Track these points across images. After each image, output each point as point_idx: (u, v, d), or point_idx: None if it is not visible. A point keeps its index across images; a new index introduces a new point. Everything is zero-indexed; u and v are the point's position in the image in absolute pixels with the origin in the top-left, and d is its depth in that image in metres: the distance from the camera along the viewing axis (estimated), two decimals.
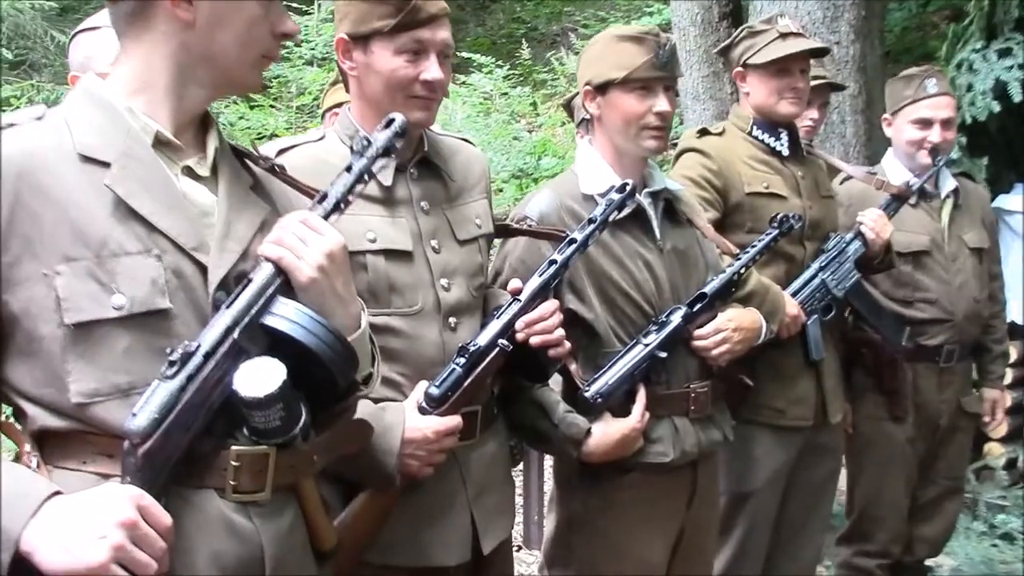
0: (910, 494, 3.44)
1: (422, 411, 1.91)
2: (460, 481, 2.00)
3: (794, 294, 2.91)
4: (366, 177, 1.52)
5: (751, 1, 5.99)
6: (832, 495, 3.16)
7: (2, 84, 8.62)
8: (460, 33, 12.57)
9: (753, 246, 2.51)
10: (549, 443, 2.26)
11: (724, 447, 2.93)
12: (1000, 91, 4.33)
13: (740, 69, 2.97)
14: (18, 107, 8.28)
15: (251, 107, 9.23)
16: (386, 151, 1.53)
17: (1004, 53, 4.35)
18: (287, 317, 1.38)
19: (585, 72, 2.38)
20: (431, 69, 1.93)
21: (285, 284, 1.40)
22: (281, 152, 1.93)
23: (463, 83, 9.83)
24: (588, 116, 2.43)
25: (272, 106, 9.27)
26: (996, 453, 4.70)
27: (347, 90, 2.07)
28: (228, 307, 1.36)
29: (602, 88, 2.33)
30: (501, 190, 7.87)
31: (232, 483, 1.37)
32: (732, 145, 2.93)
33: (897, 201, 3.25)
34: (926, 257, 3.36)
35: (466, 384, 1.92)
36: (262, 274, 1.39)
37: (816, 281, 2.97)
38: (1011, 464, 4.70)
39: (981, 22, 4.48)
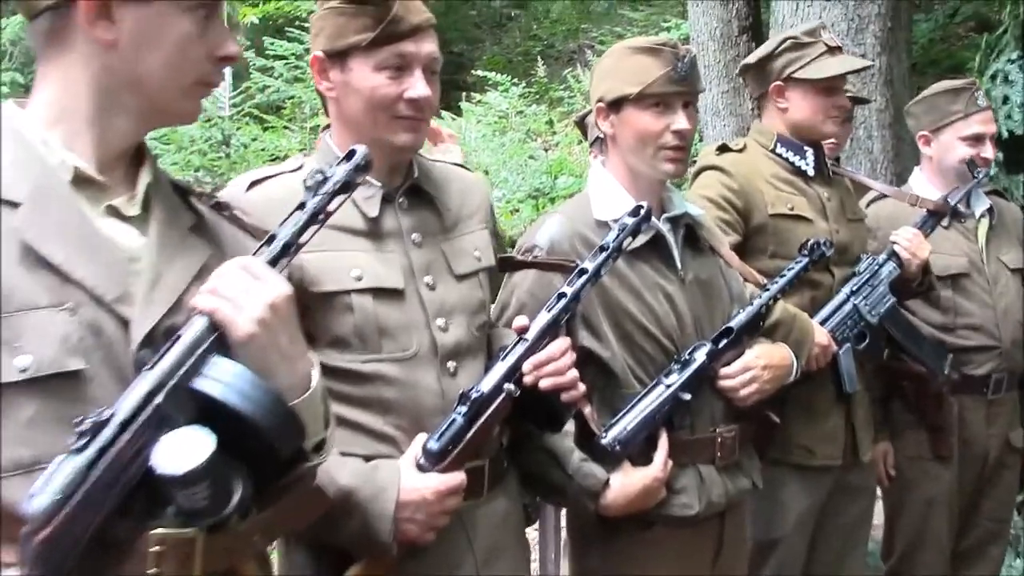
0: (953, 539, 3.21)
1: (420, 468, 1.71)
2: (467, 545, 1.81)
3: (823, 322, 2.70)
4: (321, 217, 1.32)
5: (771, 14, 5.80)
6: (866, 538, 2.93)
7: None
8: (476, 52, 12.46)
9: (783, 275, 2.30)
10: (564, 495, 2.06)
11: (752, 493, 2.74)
12: None
13: (780, 83, 2.77)
14: None
15: (264, 128, 9.11)
16: (345, 186, 1.34)
17: None
18: (220, 379, 1.18)
19: (598, 87, 2.20)
20: (416, 86, 1.75)
21: (220, 340, 1.21)
22: (254, 184, 1.75)
23: (479, 102, 9.70)
24: (601, 135, 2.24)
25: (286, 127, 9.14)
26: None
27: (327, 113, 1.87)
28: (151, 368, 1.17)
29: (616, 105, 2.14)
30: (517, 210, 7.70)
31: (154, 571, 1.16)
32: (754, 163, 2.73)
33: (934, 218, 3.03)
34: (966, 280, 3.14)
35: (469, 436, 1.73)
36: (193, 329, 1.19)
37: (848, 307, 2.76)
38: None
39: (1016, 31, 4.25)
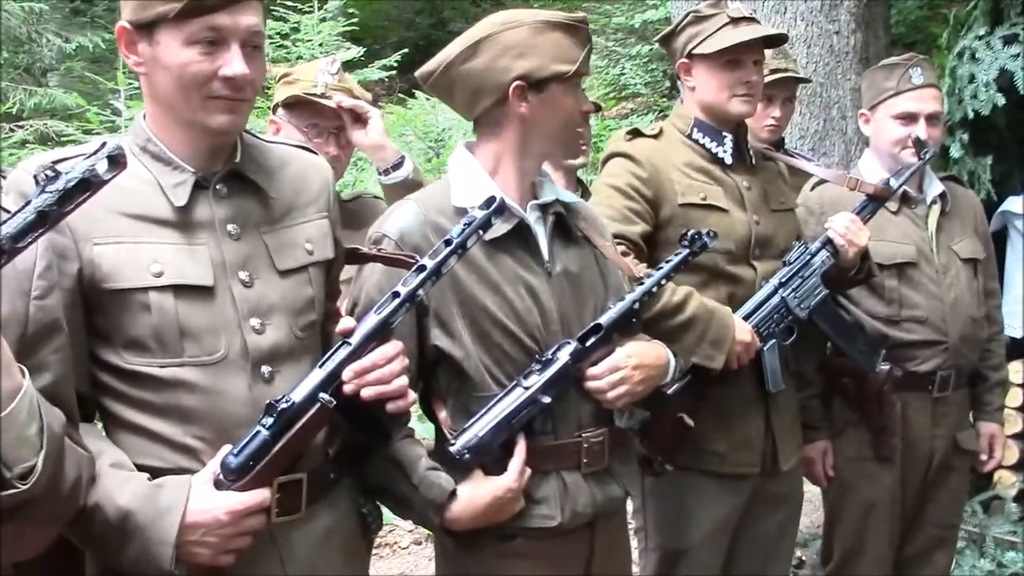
0: (896, 544, 3.02)
1: (218, 485, 1.54)
2: (279, 566, 1.64)
3: (747, 316, 2.52)
4: (47, 221, 1.17)
5: None
6: (789, 549, 2.76)
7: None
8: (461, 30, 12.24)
9: (659, 268, 2.11)
10: (410, 508, 1.88)
11: (655, 498, 2.57)
12: (1007, 82, 3.86)
13: (685, 60, 2.57)
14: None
15: None
16: (81, 185, 1.17)
17: (1010, 40, 3.87)
18: None
19: (509, 65, 1.91)
20: (232, 63, 1.57)
21: None
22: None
23: None
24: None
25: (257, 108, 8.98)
26: (1007, 482, 4.22)
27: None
28: None
29: (539, 84, 1.93)
30: None
31: None
32: (667, 149, 2.54)
33: (874, 203, 2.81)
34: (912, 270, 2.93)
35: (275, 450, 1.55)
36: None
37: (775, 300, 2.57)
38: (1023, 495, 4.24)
39: (986, 6, 4.01)
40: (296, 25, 9.85)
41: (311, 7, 10.08)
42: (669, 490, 2.53)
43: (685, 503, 2.51)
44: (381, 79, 10.07)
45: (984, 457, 3.11)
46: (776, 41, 2.59)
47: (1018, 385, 4.20)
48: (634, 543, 2.80)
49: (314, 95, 2.60)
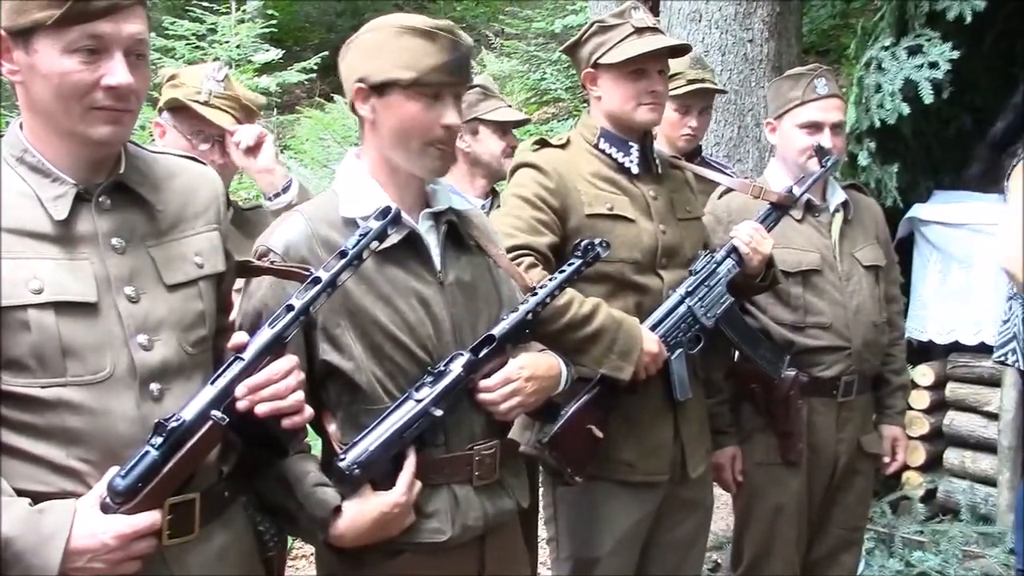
0: (804, 546, 3.07)
1: (105, 508, 1.49)
2: None
3: (655, 327, 2.52)
4: None
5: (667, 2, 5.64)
6: (701, 554, 2.77)
7: None
8: None
9: (552, 279, 2.10)
10: (296, 524, 1.84)
11: (567, 507, 2.57)
12: (912, 92, 3.96)
13: (591, 70, 2.57)
14: None
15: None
16: None
17: (914, 51, 3.98)
18: None
19: (358, 66, 1.92)
20: (115, 71, 1.52)
21: None
22: None
23: None
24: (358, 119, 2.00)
25: None
26: (914, 483, 4.34)
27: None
28: None
29: (380, 88, 1.91)
30: None
31: None
32: (574, 160, 2.53)
33: (778, 211, 2.86)
34: (817, 277, 2.98)
35: (165, 471, 1.51)
36: None
37: (681, 309, 2.57)
38: (930, 495, 4.34)
39: (892, 16, 4.11)
40: (213, 26, 9.69)
41: (228, 8, 9.94)
42: (580, 499, 2.52)
43: (596, 512, 2.50)
44: (300, 82, 9.95)
45: (887, 459, 3.18)
46: (680, 51, 2.60)
47: (925, 388, 4.32)
48: (547, 552, 2.81)
49: (197, 102, 2.52)
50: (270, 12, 10.80)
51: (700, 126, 3.52)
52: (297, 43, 11.87)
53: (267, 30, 9.98)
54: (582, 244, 2.15)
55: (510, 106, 3.41)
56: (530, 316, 1.99)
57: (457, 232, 2.01)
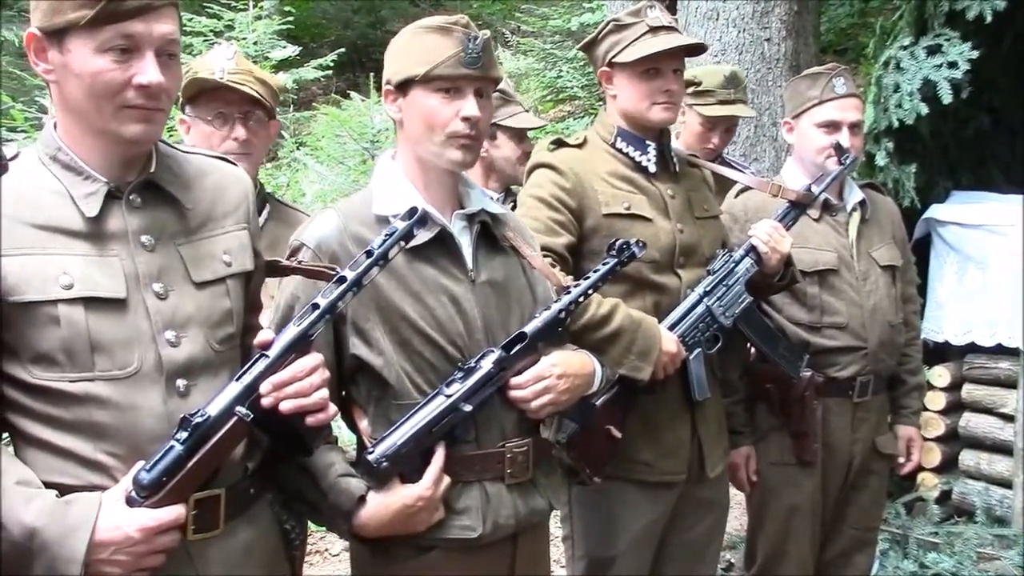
0: (817, 546, 3.07)
1: (130, 502, 1.51)
2: None
3: (673, 326, 2.53)
4: None
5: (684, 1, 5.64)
6: (716, 554, 2.78)
7: None
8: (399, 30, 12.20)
9: (587, 278, 2.12)
10: (320, 515, 1.87)
11: (583, 506, 2.58)
12: (931, 92, 3.95)
13: (606, 69, 2.59)
14: None
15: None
16: None
17: (933, 51, 3.97)
18: None
19: (387, 69, 1.99)
20: (147, 71, 1.55)
21: None
22: None
23: None
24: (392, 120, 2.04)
25: None
26: (929, 484, 4.33)
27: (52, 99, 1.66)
28: None
29: (403, 87, 1.95)
30: None
31: None
32: (591, 159, 2.54)
33: (796, 209, 2.86)
34: (834, 277, 2.98)
35: (190, 465, 1.53)
36: None
37: (700, 309, 2.58)
38: (945, 497, 4.34)
39: (911, 16, 4.09)
40: (230, 23, 9.71)
41: (246, 5, 9.95)
42: (596, 498, 2.53)
43: (612, 511, 2.51)
44: (317, 79, 9.97)
45: (902, 460, 3.18)
46: (696, 50, 2.60)
47: (941, 389, 4.31)
48: (561, 551, 2.82)
49: (214, 81, 2.52)
50: (287, 9, 10.83)
51: (722, 143, 3.59)
52: (314, 40, 11.90)
53: (284, 27, 10.00)
54: (617, 243, 2.16)
55: (527, 111, 3.42)
56: (563, 314, 2.02)
57: (491, 233, 2.03)
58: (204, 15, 9.82)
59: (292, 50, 9.62)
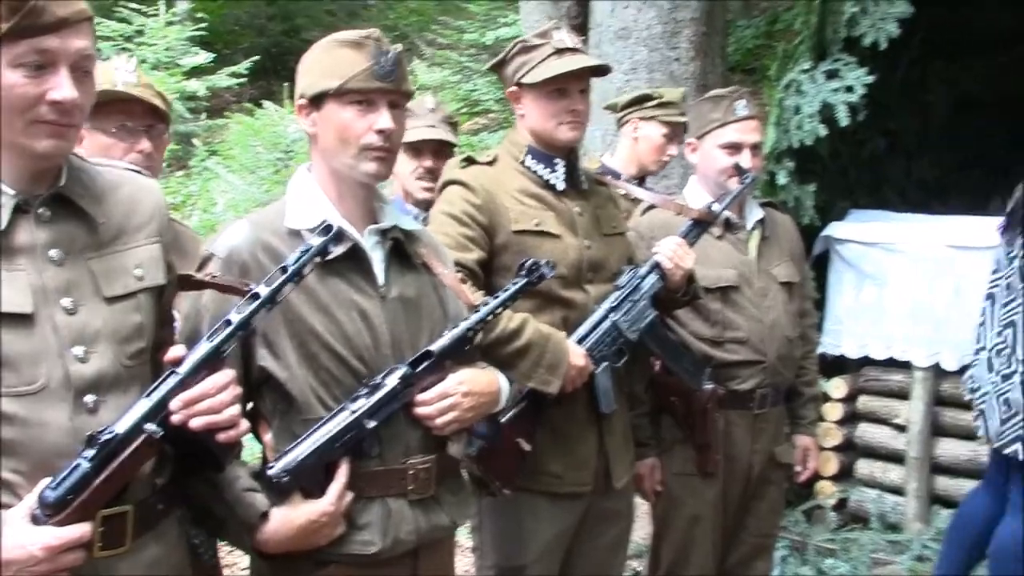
0: (719, 554, 3.17)
1: (35, 520, 1.51)
2: None
3: (581, 340, 2.60)
4: None
5: (590, 15, 5.75)
6: (621, 563, 2.85)
7: None
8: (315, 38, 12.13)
9: (496, 296, 2.17)
10: (226, 529, 1.87)
11: (492, 518, 2.62)
12: (829, 114, 4.13)
13: (515, 89, 2.65)
14: None
15: None
16: None
17: (832, 75, 4.15)
18: None
19: (300, 83, 2.01)
20: (61, 86, 1.54)
21: None
22: None
23: None
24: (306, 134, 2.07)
25: None
26: (827, 492, 4.50)
27: None
28: None
29: (316, 100, 1.98)
30: None
31: None
32: (501, 176, 2.60)
33: (699, 227, 2.96)
34: (735, 293, 3.10)
35: (96, 483, 1.53)
36: None
37: (607, 324, 2.65)
38: (842, 504, 4.51)
39: (810, 41, 4.27)
40: (141, 28, 9.57)
41: (157, 10, 9.81)
42: (505, 510, 2.58)
43: (521, 522, 2.56)
44: (230, 86, 9.87)
45: (799, 469, 3.31)
46: (601, 71, 2.68)
47: (838, 400, 4.48)
48: (471, 561, 2.86)
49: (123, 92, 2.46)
50: (200, 15, 10.69)
51: (674, 155, 3.71)
52: (227, 47, 11.76)
53: (197, 33, 9.89)
54: (527, 263, 2.20)
55: (433, 126, 3.41)
56: (471, 333, 2.05)
57: (403, 249, 2.06)
58: (113, 19, 9.66)
59: (205, 57, 9.52)
